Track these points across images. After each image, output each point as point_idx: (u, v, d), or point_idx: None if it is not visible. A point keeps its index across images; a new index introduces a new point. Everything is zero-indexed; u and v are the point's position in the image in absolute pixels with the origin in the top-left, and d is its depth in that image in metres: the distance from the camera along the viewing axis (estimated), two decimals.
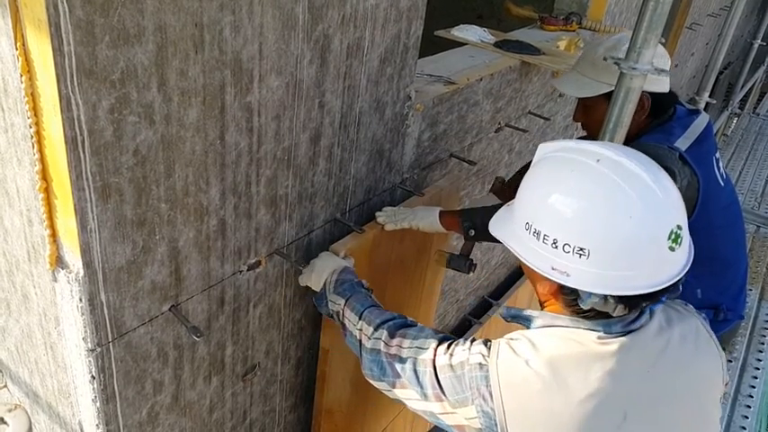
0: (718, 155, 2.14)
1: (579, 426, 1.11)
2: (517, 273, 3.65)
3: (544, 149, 1.23)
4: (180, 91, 1.18)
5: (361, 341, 1.44)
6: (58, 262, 1.21)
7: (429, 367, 1.27)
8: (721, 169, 2.13)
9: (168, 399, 1.50)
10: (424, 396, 1.28)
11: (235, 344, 1.64)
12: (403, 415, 2.41)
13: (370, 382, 1.42)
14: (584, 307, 1.13)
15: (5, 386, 1.67)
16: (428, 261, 2.13)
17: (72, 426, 1.46)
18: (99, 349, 1.27)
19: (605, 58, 1.81)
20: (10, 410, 1.18)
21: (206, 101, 1.24)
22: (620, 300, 1.11)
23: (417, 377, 1.29)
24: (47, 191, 1.14)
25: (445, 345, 1.30)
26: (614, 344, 1.15)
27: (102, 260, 1.19)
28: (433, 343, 1.31)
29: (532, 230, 1.14)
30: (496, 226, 1.30)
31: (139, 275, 1.28)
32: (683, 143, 1.95)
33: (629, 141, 1.81)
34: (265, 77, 1.35)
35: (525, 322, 1.27)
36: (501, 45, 2.67)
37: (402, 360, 1.32)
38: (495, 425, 1.16)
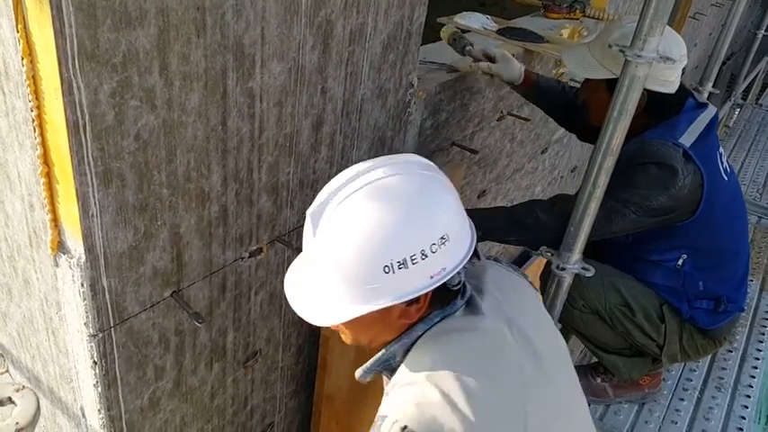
0: (721, 149, 2.13)
1: (497, 413, 1.12)
2: (517, 263, 3.65)
3: (313, 216, 1.21)
4: (182, 75, 1.17)
5: None
6: (60, 247, 1.21)
7: None
8: (725, 163, 2.12)
9: (170, 384, 1.50)
10: None
11: (236, 330, 1.64)
12: None
13: None
14: (455, 282, 1.18)
15: (7, 371, 1.68)
16: None
17: (74, 411, 1.47)
18: (101, 335, 1.27)
19: (610, 45, 1.80)
20: (17, 390, 1.18)
21: (208, 86, 1.23)
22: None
23: None
24: (48, 175, 1.13)
25: None
26: (464, 316, 1.21)
27: (103, 245, 1.19)
28: None
29: (395, 266, 1.10)
30: (329, 318, 1.23)
31: (141, 261, 1.28)
32: (687, 139, 1.93)
33: (632, 136, 1.80)
34: (267, 63, 1.34)
35: (388, 364, 1.24)
36: (504, 32, 2.65)
37: None
38: None
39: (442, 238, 1.12)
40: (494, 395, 1.13)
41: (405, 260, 1.10)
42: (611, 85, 1.90)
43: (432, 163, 1.22)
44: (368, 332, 1.24)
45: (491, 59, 2.23)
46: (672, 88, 1.95)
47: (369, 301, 1.13)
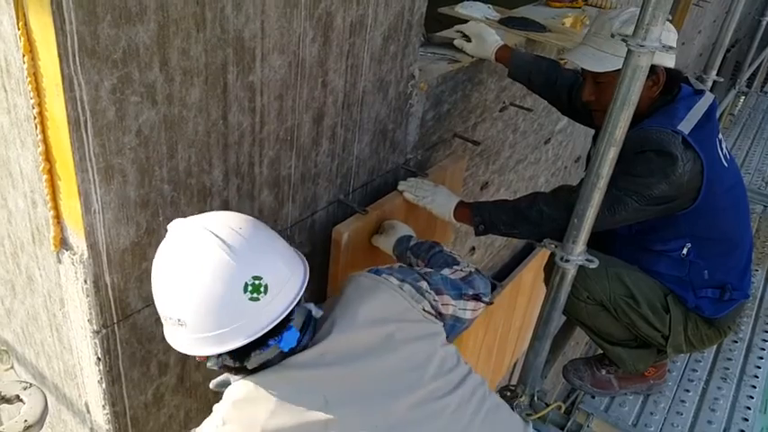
0: (720, 136, 2.12)
1: None
2: (520, 255, 3.64)
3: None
4: (182, 70, 1.17)
5: None
6: (63, 244, 1.21)
7: None
8: (724, 150, 2.11)
9: (173, 380, 1.50)
10: None
11: None
12: None
13: None
14: (215, 368, 1.19)
15: (12, 367, 1.68)
16: (432, 237, 2.12)
17: (78, 407, 1.47)
18: (104, 331, 1.27)
19: (613, 35, 1.79)
20: (25, 388, 1.19)
21: (208, 80, 1.23)
22: (232, 355, 1.16)
23: None
24: (50, 172, 1.13)
25: None
26: (279, 368, 1.21)
27: (106, 242, 1.19)
28: None
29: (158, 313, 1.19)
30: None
31: (143, 257, 1.28)
32: (686, 125, 1.92)
33: (635, 121, 1.79)
34: (268, 56, 1.33)
35: (226, 386, 1.27)
36: (506, 22, 2.64)
37: None
38: None
39: (179, 320, 1.13)
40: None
41: (160, 314, 1.18)
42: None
43: (232, 238, 1.15)
44: None
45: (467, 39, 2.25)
46: (671, 61, 1.95)
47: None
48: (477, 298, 1.53)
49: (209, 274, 1.11)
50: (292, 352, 1.22)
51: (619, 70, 1.91)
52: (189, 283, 1.12)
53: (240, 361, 1.17)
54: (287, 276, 1.19)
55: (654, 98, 1.95)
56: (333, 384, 1.22)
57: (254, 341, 1.14)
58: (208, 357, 1.19)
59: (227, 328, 1.12)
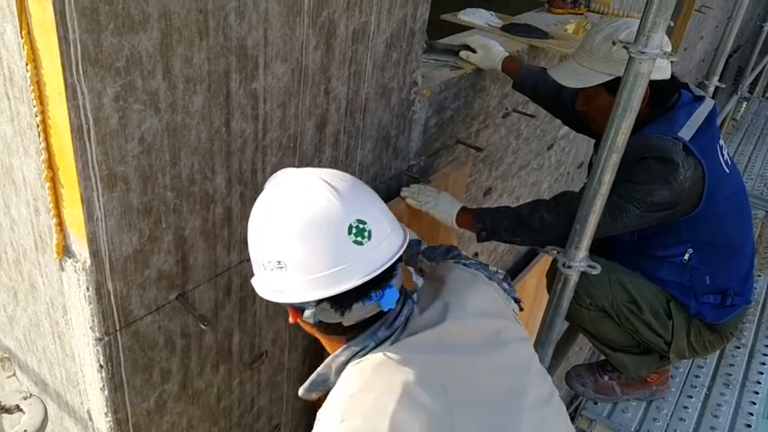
0: (722, 141, 2.12)
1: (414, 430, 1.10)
2: (524, 260, 3.64)
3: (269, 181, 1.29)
4: (185, 78, 1.17)
5: None
6: (65, 251, 1.21)
7: None
8: (726, 156, 2.11)
9: (176, 387, 1.50)
10: None
11: (242, 332, 1.64)
12: None
13: None
14: (310, 321, 1.17)
15: (14, 374, 1.68)
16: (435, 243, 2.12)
17: (81, 414, 1.47)
18: (107, 338, 1.27)
19: (614, 42, 1.79)
20: (25, 398, 1.19)
21: (211, 88, 1.23)
22: (333, 304, 1.14)
23: None
24: (53, 180, 1.13)
25: None
26: (397, 340, 1.18)
27: (108, 249, 1.19)
28: None
29: (251, 257, 1.20)
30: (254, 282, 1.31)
31: (146, 264, 1.28)
32: (686, 132, 1.93)
33: (635, 129, 1.79)
34: (270, 64, 1.33)
35: (325, 385, 1.26)
36: (508, 29, 2.64)
37: None
38: None
39: (279, 262, 1.13)
40: (412, 427, 1.10)
41: (255, 261, 1.18)
42: (609, 86, 1.91)
43: (333, 187, 1.16)
44: (305, 327, 1.27)
45: (472, 50, 2.26)
46: (667, 74, 1.95)
47: (253, 281, 1.23)
48: (517, 302, 1.51)
49: (314, 213, 1.12)
50: (399, 330, 1.19)
51: (605, 84, 1.93)
52: (294, 223, 1.12)
53: (340, 311, 1.14)
54: (388, 231, 1.18)
55: (643, 111, 1.95)
56: (451, 374, 1.18)
57: (356, 291, 1.12)
58: (301, 312, 1.16)
59: (330, 271, 1.11)
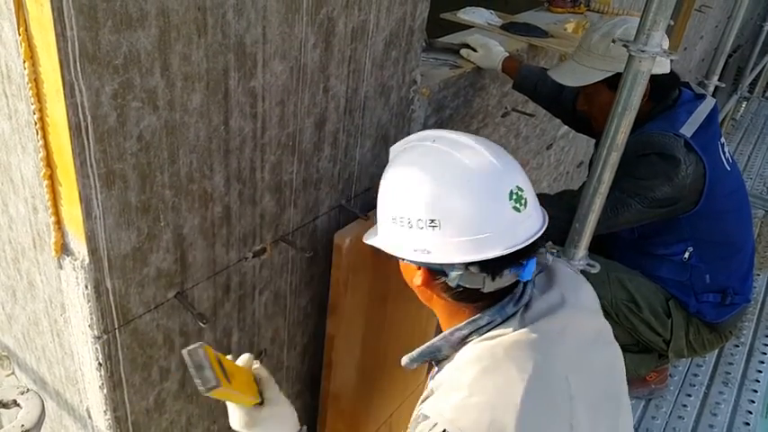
0: (723, 139, 2.12)
1: (542, 420, 1.09)
2: None
3: (393, 151, 1.31)
4: (183, 76, 1.17)
5: None
6: (64, 249, 1.21)
7: None
8: (726, 154, 2.12)
9: (175, 385, 1.50)
10: None
11: (241, 331, 1.64)
12: (410, 401, 2.42)
13: None
14: (452, 284, 1.14)
15: (13, 373, 1.68)
16: None
17: (80, 412, 1.47)
18: (105, 336, 1.27)
19: (591, 50, 1.80)
20: (22, 393, 1.19)
21: (209, 86, 1.23)
22: (483, 268, 1.12)
23: None
24: (51, 178, 1.13)
25: None
26: (520, 325, 1.16)
27: (107, 247, 1.19)
28: None
29: (390, 218, 1.19)
30: (368, 238, 1.36)
31: (145, 262, 1.28)
32: (688, 129, 1.93)
33: (635, 127, 1.80)
34: (269, 62, 1.33)
35: (433, 356, 1.25)
36: (508, 28, 2.64)
37: None
38: None
39: (432, 221, 1.11)
40: (539, 411, 1.09)
41: (395, 218, 1.17)
42: (610, 83, 1.91)
43: (491, 152, 1.16)
44: (403, 276, 1.29)
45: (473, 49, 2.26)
46: (666, 69, 1.96)
47: (378, 238, 1.25)
48: None
49: (479, 174, 1.11)
50: (523, 309, 1.17)
51: (606, 80, 1.93)
52: (458, 182, 1.11)
53: (490, 276, 1.12)
54: (535, 202, 1.18)
55: (645, 107, 1.96)
56: (573, 367, 1.15)
57: (507, 258, 1.10)
58: (435, 274, 1.15)
59: (487, 234, 1.09)
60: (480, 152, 1.14)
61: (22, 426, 1.12)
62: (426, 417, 1.12)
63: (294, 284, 1.77)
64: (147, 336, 1.36)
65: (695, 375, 3.02)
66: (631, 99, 1.61)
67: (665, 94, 2.00)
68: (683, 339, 2.27)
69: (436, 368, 1.28)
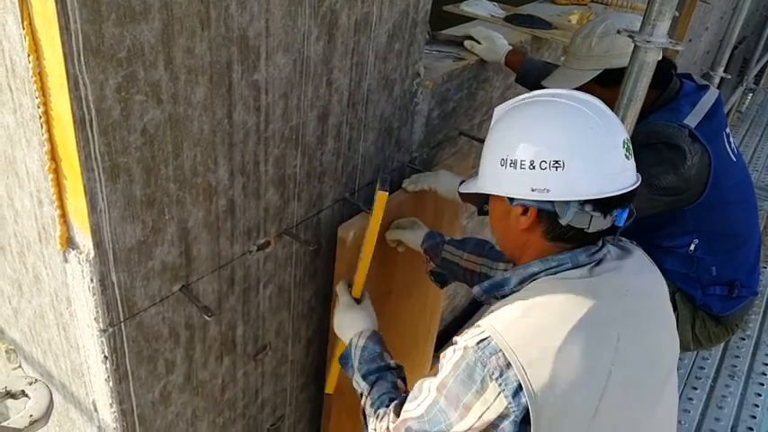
0: (728, 130, 2.11)
1: (585, 355, 1.17)
2: None
3: (499, 110, 1.39)
4: (187, 69, 1.17)
5: None
6: (69, 243, 1.21)
7: (432, 395, 1.27)
8: (732, 145, 2.11)
9: (180, 378, 1.51)
10: (447, 423, 1.23)
11: (245, 324, 1.64)
12: None
13: None
14: (564, 222, 1.23)
15: (20, 366, 1.69)
16: None
17: (86, 405, 1.48)
18: (111, 329, 1.27)
19: (618, 31, 1.78)
20: (30, 383, 1.19)
21: (213, 79, 1.23)
22: (595, 207, 1.22)
23: (432, 413, 1.26)
24: (56, 171, 1.14)
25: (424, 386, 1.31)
26: (591, 275, 1.26)
27: (112, 240, 1.19)
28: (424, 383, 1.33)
29: (508, 163, 1.26)
30: (466, 187, 1.43)
31: (150, 256, 1.28)
32: (692, 120, 1.93)
33: (638, 120, 1.80)
34: (272, 55, 1.33)
35: (501, 289, 1.34)
36: (512, 19, 2.63)
37: (411, 420, 1.30)
38: (520, 389, 1.14)
39: (556, 162, 1.21)
40: (581, 349, 1.17)
41: (515, 161, 1.25)
42: (600, 81, 1.92)
43: (603, 107, 1.29)
44: (498, 225, 1.38)
45: (476, 41, 2.26)
46: (660, 53, 1.96)
47: (486, 186, 1.33)
48: None
49: (602, 121, 1.24)
50: (595, 264, 1.27)
51: (596, 79, 1.94)
52: (586, 126, 1.23)
53: (602, 215, 1.23)
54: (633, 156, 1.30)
55: (650, 98, 1.96)
56: (627, 329, 1.24)
57: (616, 199, 1.22)
58: (548, 216, 1.24)
59: (605, 175, 1.22)
60: (596, 105, 1.28)
61: (31, 416, 1.13)
62: (478, 326, 1.22)
63: (298, 278, 1.77)
64: (152, 329, 1.37)
65: (701, 368, 3.01)
66: (637, 90, 1.61)
67: (666, 81, 2.00)
68: (689, 332, 2.26)
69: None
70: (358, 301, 1.73)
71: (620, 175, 1.24)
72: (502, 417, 1.17)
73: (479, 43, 2.25)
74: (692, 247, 2.13)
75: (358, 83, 1.63)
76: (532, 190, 1.23)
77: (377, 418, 1.43)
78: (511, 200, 1.28)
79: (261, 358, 1.76)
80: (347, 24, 1.49)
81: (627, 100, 1.62)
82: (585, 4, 3.21)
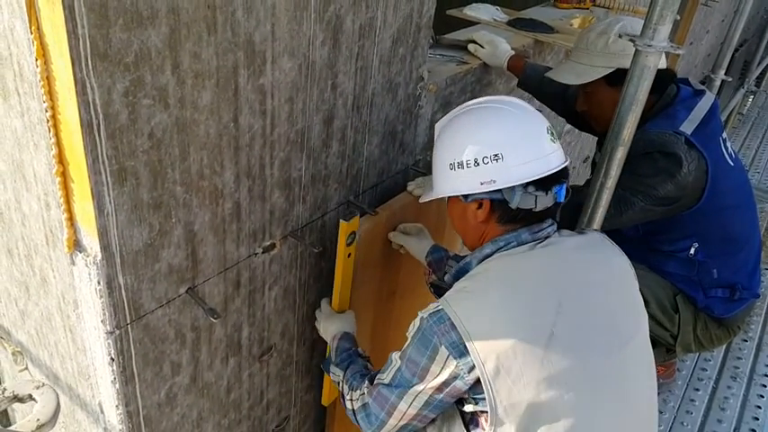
0: (724, 134, 2.12)
1: (522, 316, 1.31)
2: None
3: (440, 124, 1.56)
4: (193, 73, 1.18)
5: (354, 410, 1.54)
6: (76, 245, 1.22)
7: (397, 363, 1.43)
8: (729, 149, 2.11)
9: (186, 380, 1.51)
10: (409, 386, 1.39)
11: (251, 325, 1.65)
12: None
13: None
14: (513, 206, 1.40)
15: (26, 368, 1.70)
16: (441, 240, 2.13)
17: (92, 407, 1.49)
18: (117, 331, 1.28)
19: (619, 35, 1.79)
20: (37, 387, 1.20)
21: (219, 83, 1.24)
22: (537, 187, 1.39)
23: (396, 378, 1.42)
24: (63, 175, 1.14)
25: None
26: (534, 249, 1.42)
27: (119, 243, 1.20)
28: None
29: (456, 165, 1.43)
30: (426, 197, 1.59)
31: (156, 258, 1.29)
32: (688, 126, 1.93)
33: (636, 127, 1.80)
34: (278, 59, 1.34)
35: (466, 273, 1.47)
36: (514, 24, 2.64)
37: (379, 390, 1.46)
38: (465, 348, 1.29)
39: (495, 155, 1.38)
40: (519, 311, 1.32)
41: (461, 162, 1.42)
42: (610, 80, 1.92)
43: (525, 105, 1.48)
44: (458, 223, 1.55)
45: (480, 45, 2.28)
46: (663, 63, 1.96)
47: (441, 190, 1.50)
48: None
49: (527, 116, 1.44)
50: (539, 242, 1.44)
51: (605, 78, 1.93)
52: (516, 121, 1.42)
53: (544, 192, 1.40)
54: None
55: (647, 104, 1.96)
56: (569, 295, 1.36)
57: (552, 178, 1.39)
58: (500, 204, 1.41)
59: (540, 157, 1.39)
60: (519, 104, 1.47)
61: (38, 420, 1.14)
62: (436, 301, 1.39)
63: (303, 280, 1.78)
64: (158, 331, 1.38)
65: (703, 370, 3.01)
66: (638, 94, 1.61)
67: (664, 88, 2.00)
68: (690, 334, 2.27)
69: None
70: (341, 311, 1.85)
71: (551, 156, 1.41)
72: (454, 376, 1.33)
73: (482, 47, 2.26)
74: (692, 250, 2.13)
75: (362, 87, 1.64)
76: (481, 183, 1.40)
77: (351, 389, 1.58)
78: (465, 197, 1.45)
79: (266, 360, 1.77)
80: (352, 29, 1.51)
81: (628, 104, 1.63)
82: (587, 8, 3.22)
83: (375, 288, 1.99)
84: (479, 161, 1.39)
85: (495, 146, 1.39)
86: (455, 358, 1.31)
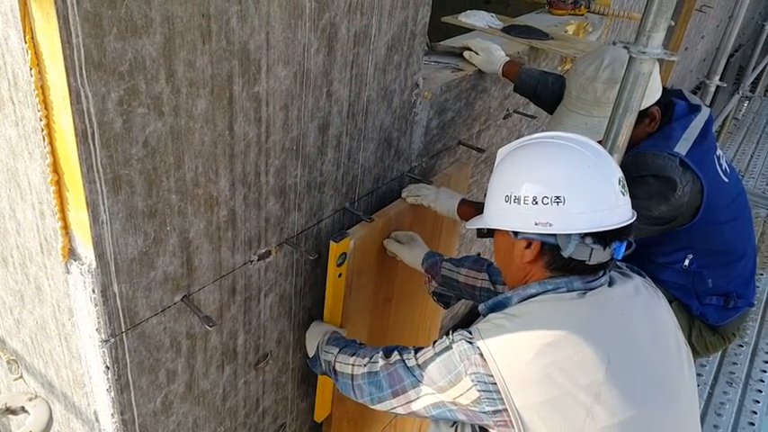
0: (719, 152, 2.12)
1: (571, 374, 1.23)
2: None
3: (503, 151, 1.47)
4: (188, 82, 1.18)
5: (353, 374, 1.52)
6: (71, 254, 1.22)
7: (417, 364, 1.39)
8: (723, 165, 2.11)
9: (182, 388, 1.51)
10: (419, 391, 1.37)
11: (247, 333, 1.65)
12: None
13: (372, 406, 1.49)
14: (566, 254, 1.30)
15: (21, 377, 1.69)
16: (437, 247, 2.13)
17: (87, 415, 1.48)
18: (112, 340, 1.28)
19: (614, 43, 1.80)
20: (30, 399, 1.20)
21: (214, 91, 1.24)
22: (595, 240, 1.29)
23: (412, 375, 1.39)
24: (58, 183, 1.14)
25: (425, 347, 1.43)
26: (583, 297, 1.32)
27: (114, 252, 1.20)
28: (414, 349, 1.45)
29: (512, 199, 1.34)
30: (473, 224, 1.50)
31: (151, 266, 1.29)
32: (683, 146, 1.92)
33: (630, 149, 1.81)
34: (273, 67, 1.35)
35: (503, 307, 1.39)
36: (509, 30, 2.65)
37: (397, 368, 1.43)
38: (494, 387, 1.25)
39: (557, 197, 1.28)
40: (568, 364, 1.24)
41: (519, 197, 1.32)
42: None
43: (599, 148, 1.38)
44: (502, 257, 1.45)
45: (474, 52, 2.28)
46: (659, 94, 1.95)
47: (491, 221, 1.41)
48: None
49: (598, 161, 1.33)
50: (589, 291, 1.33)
51: None
52: (584, 165, 1.31)
53: (602, 247, 1.30)
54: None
55: (650, 130, 1.98)
56: (618, 350, 1.28)
57: (612, 233, 1.30)
58: (551, 249, 1.31)
59: (603, 210, 1.29)
60: (592, 146, 1.36)
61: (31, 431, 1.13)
62: (468, 328, 1.33)
63: (299, 287, 1.78)
64: (153, 339, 1.37)
65: (699, 375, 3.01)
66: (632, 100, 1.62)
67: (665, 112, 2.00)
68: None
69: None
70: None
71: (617, 210, 1.31)
72: (475, 405, 1.28)
73: (477, 54, 2.27)
74: (687, 262, 2.14)
75: (358, 94, 1.64)
76: (536, 224, 1.30)
77: (354, 355, 1.55)
78: (515, 234, 1.35)
79: (262, 367, 1.77)
80: (347, 37, 1.51)
81: (622, 110, 1.64)
82: (582, 15, 3.23)
83: (371, 295, 1.99)
84: (538, 200, 1.30)
85: (560, 187, 1.29)
86: (479, 391, 1.26)
